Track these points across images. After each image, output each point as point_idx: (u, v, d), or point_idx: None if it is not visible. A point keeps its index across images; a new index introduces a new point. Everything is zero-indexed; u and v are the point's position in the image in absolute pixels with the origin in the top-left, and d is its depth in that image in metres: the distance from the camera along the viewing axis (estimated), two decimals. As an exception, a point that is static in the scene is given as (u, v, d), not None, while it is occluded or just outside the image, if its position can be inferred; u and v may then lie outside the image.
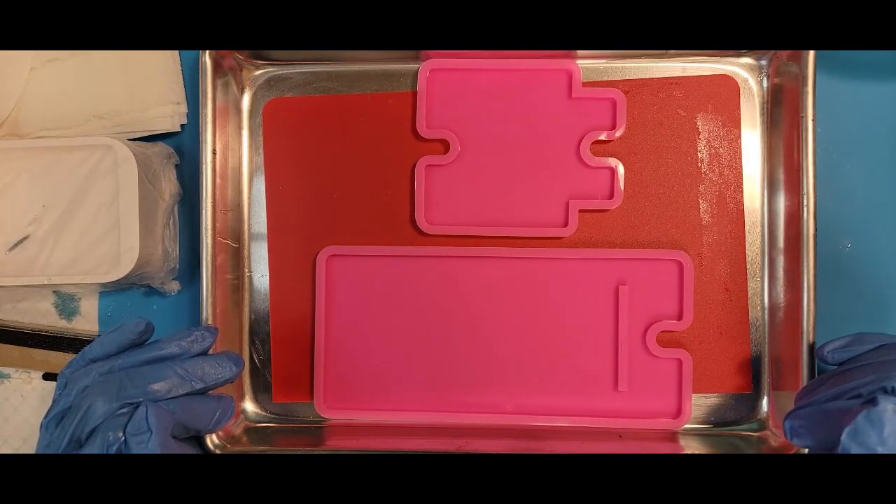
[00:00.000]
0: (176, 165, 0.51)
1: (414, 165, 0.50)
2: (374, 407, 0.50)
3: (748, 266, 0.50)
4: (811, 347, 0.46)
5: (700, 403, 0.50)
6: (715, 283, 0.49)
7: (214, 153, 0.49)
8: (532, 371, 0.50)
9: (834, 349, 0.42)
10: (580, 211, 0.49)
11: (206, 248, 0.48)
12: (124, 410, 0.39)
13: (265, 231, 0.51)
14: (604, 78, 0.50)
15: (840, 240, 0.50)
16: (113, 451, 0.38)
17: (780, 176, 0.48)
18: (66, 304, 0.52)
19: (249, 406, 0.51)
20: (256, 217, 0.51)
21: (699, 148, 0.50)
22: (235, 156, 0.51)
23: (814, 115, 0.46)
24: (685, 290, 0.49)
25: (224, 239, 0.49)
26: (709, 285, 0.50)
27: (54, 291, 0.52)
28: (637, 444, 0.48)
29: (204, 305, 0.48)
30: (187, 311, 0.52)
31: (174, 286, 0.51)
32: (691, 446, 0.48)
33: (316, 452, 0.48)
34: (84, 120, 0.51)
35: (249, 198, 0.52)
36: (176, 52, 0.51)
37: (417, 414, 0.50)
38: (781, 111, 0.48)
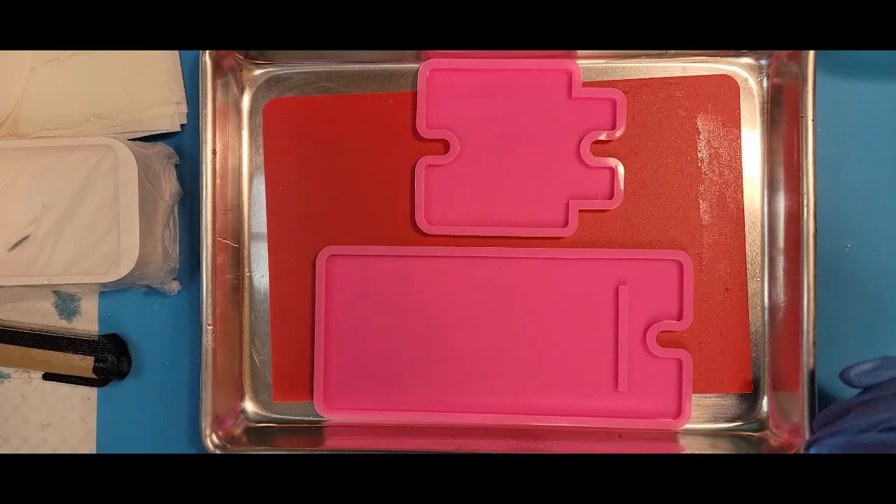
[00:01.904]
0: (176, 165, 0.51)
1: (414, 165, 0.50)
2: (374, 407, 0.50)
3: (748, 266, 0.50)
4: (811, 347, 0.46)
5: (700, 403, 0.50)
6: (715, 283, 0.49)
7: (214, 153, 0.49)
8: (532, 371, 0.50)
9: (860, 373, 0.40)
10: (580, 211, 0.49)
11: (206, 248, 0.48)
12: None
13: (265, 231, 0.51)
14: (604, 78, 0.50)
15: (840, 240, 0.50)
16: None
17: (780, 176, 0.48)
18: (66, 304, 0.52)
19: (249, 406, 0.51)
20: (256, 217, 0.51)
21: (699, 148, 0.50)
22: (235, 156, 0.51)
23: (814, 115, 0.46)
24: (685, 290, 0.49)
25: (224, 239, 0.49)
26: (709, 285, 0.50)
27: (54, 291, 0.52)
28: (637, 444, 0.48)
29: (204, 305, 0.48)
30: (187, 311, 0.52)
31: (174, 286, 0.51)
32: (691, 446, 0.48)
33: (316, 452, 0.48)
34: (84, 120, 0.51)
35: (249, 198, 0.51)
36: (176, 52, 0.51)
37: (417, 414, 0.50)
38: (781, 111, 0.48)
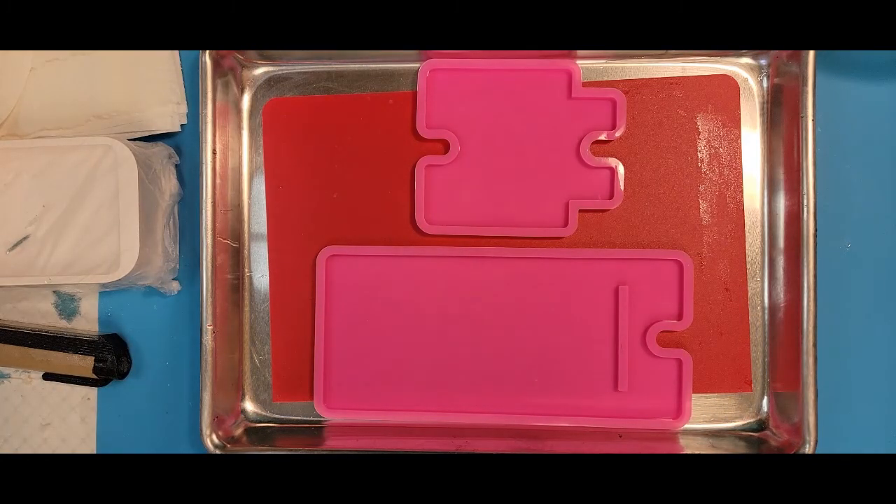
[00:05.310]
0: (176, 165, 0.51)
1: (414, 165, 0.50)
2: (374, 407, 0.50)
3: (748, 266, 0.50)
4: (811, 347, 0.46)
5: (700, 403, 0.50)
6: (715, 283, 0.49)
7: (214, 153, 0.49)
8: (532, 371, 0.50)
9: None
10: (580, 211, 0.49)
11: (206, 248, 0.48)
12: None
13: (265, 231, 0.51)
14: (604, 78, 0.50)
15: (840, 240, 0.50)
16: None
17: (780, 176, 0.48)
18: (66, 304, 0.52)
19: (249, 406, 0.51)
20: (256, 217, 0.51)
21: (699, 148, 0.50)
22: (235, 156, 0.51)
23: (814, 115, 0.46)
24: (685, 290, 0.49)
25: (224, 239, 0.49)
26: (709, 285, 0.50)
27: (54, 291, 0.52)
28: (637, 444, 0.48)
29: (204, 305, 0.48)
30: (187, 311, 0.52)
31: (174, 286, 0.51)
32: (691, 446, 0.48)
33: (316, 452, 0.48)
34: (84, 120, 0.51)
35: (249, 198, 0.52)
36: (176, 52, 0.51)
37: (417, 414, 0.50)
38: (781, 111, 0.48)
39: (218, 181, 0.49)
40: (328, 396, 0.51)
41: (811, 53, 0.46)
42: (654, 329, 0.49)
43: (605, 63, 0.50)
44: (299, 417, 0.51)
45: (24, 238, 0.48)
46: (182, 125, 0.52)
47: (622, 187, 0.50)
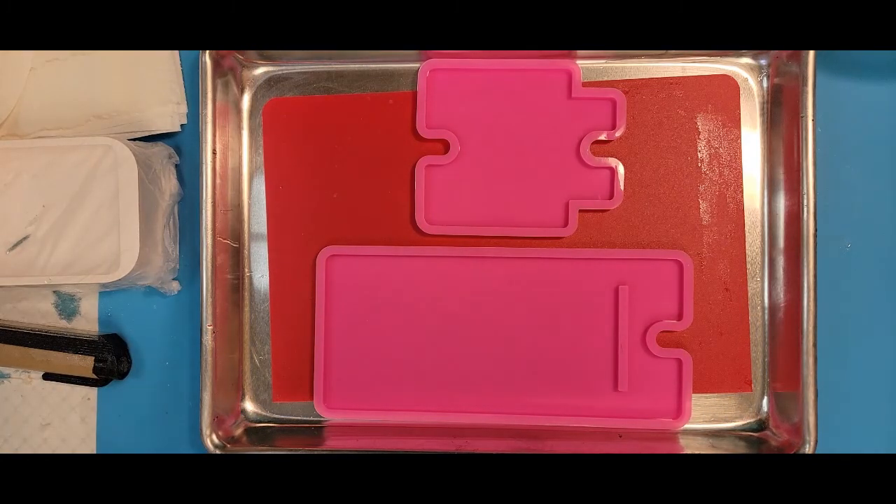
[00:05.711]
0: (176, 165, 0.51)
1: (414, 165, 0.50)
2: (374, 407, 0.50)
3: (748, 266, 0.50)
4: (811, 347, 0.46)
5: (700, 403, 0.50)
6: (715, 283, 0.49)
7: (214, 153, 0.49)
8: (532, 371, 0.50)
9: None
10: (580, 211, 0.49)
11: (206, 248, 0.48)
12: None
13: (265, 231, 0.51)
14: (604, 78, 0.50)
15: (840, 240, 0.50)
16: None
17: (780, 176, 0.49)
18: (66, 304, 0.52)
19: (249, 406, 0.51)
20: (256, 217, 0.51)
21: (699, 148, 0.50)
22: (235, 156, 0.51)
23: (814, 115, 0.46)
24: (685, 290, 0.49)
25: (224, 239, 0.49)
26: (709, 285, 0.50)
27: (54, 291, 0.52)
28: (637, 444, 0.48)
29: (204, 305, 0.48)
30: (187, 311, 0.52)
31: (174, 286, 0.51)
32: (691, 446, 0.48)
33: (316, 452, 0.48)
34: (84, 120, 0.51)
35: (249, 198, 0.52)
36: (176, 52, 0.51)
37: (417, 414, 0.50)
38: (781, 111, 0.48)
39: (218, 181, 0.49)
40: (328, 396, 0.51)
41: (811, 53, 0.46)
42: (654, 329, 0.49)
43: (605, 63, 0.50)
44: (299, 417, 0.51)
45: (24, 238, 0.48)
46: (182, 125, 0.52)
47: (622, 187, 0.50)
